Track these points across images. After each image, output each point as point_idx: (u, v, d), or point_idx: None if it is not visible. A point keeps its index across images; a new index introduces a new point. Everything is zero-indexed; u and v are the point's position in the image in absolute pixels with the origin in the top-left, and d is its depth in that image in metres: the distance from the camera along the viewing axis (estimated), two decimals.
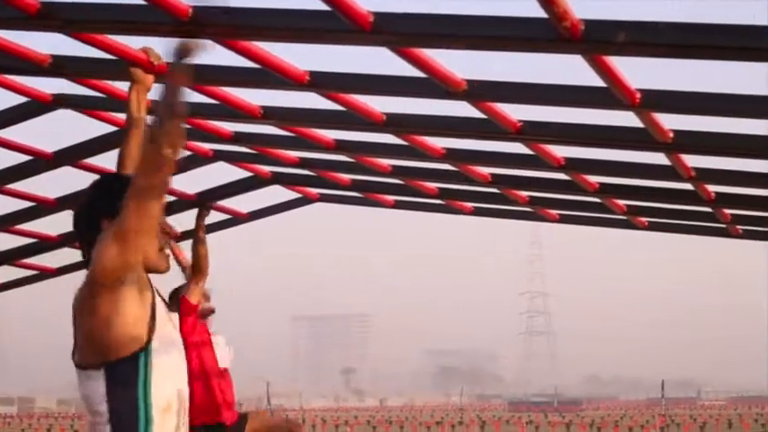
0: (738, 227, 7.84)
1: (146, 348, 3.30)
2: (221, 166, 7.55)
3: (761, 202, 6.87)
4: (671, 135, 5.06)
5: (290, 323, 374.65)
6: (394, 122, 5.63)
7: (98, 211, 3.45)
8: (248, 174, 7.96)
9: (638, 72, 5.11)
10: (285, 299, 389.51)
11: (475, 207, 8.49)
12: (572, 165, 6.17)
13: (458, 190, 7.95)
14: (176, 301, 8.40)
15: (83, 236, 3.52)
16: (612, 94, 4.32)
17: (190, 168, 7.31)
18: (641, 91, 4.37)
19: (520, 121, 5.30)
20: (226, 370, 9.21)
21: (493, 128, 5.30)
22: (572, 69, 4.22)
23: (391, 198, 8.55)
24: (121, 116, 6.79)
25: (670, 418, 69.40)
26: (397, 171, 7.26)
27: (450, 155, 6.45)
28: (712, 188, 6.52)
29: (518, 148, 5.97)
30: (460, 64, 5.18)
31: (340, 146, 6.52)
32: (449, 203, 8.36)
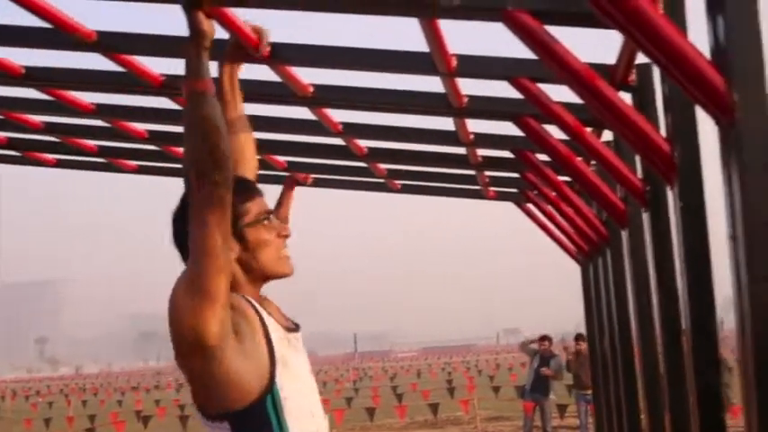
0: (396, 181, 8.07)
1: (271, 390, 2.79)
2: None
3: (411, 157, 7.09)
4: (311, 90, 5.10)
5: None
6: (34, 76, 5.37)
7: None
8: None
9: (276, 25, 5.12)
10: None
11: (139, 165, 8.30)
12: None
13: (118, 148, 7.73)
14: None
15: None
16: (243, 46, 4.28)
17: None
18: (273, 44, 4.35)
19: (162, 75, 5.19)
20: None
21: (135, 81, 5.16)
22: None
23: (51, 157, 8.20)
24: None
25: (363, 371, 71.81)
26: (50, 128, 6.96)
27: (102, 110, 6.25)
28: (363, 143, 6.65)
29: (169, 103, 5.86)
30: (93, 16, 5.01)
31: None
32: (111, 162, 8.13)
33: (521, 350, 20.13)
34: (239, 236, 2.93)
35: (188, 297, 2.66)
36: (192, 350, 2.69)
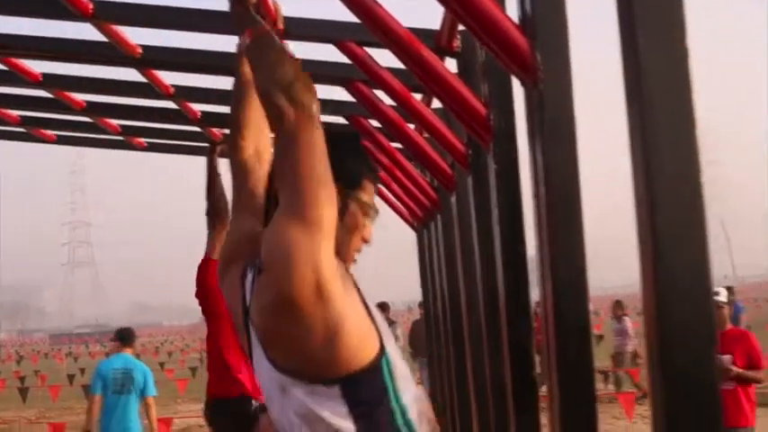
0: None
1: (384, 352, 2.52)
2: None
3: None
4: (139, 50, 5.01)
5: None
6: None
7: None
8: None
9: None
10: None
11: None
12: (50, 81, 5.96)
13: None
14: None
15: None
16: (65, 6, 4.18)
17: None
18: (95, 2, 4.26)
19: None
20: None
21: None
22: None
23: None
24: None
25: None
26: None
27: None
28: (197, 107, 6.58)
29: None
30: None
31: None
32: None
33: None
34: (345, 202, 2.62)
35: (297, 231, 2.36)
36: (308, 291, 2.39)
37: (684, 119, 1.69)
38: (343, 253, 2.65)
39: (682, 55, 1.64)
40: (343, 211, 2.59)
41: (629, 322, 18.20)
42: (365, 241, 2.73)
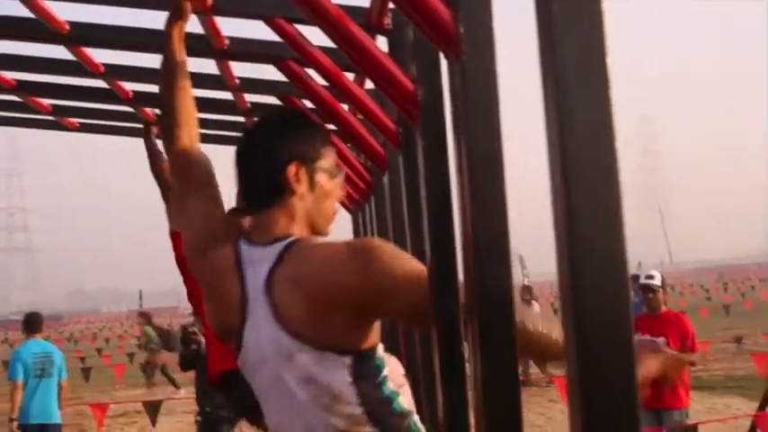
0: None
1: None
2: None
3: None
4: (67, 27, 4.92)
5: None
6: None
7: (287, 154, 2.82)
8: None
9: None
10: None
11: None
12: None
13: None
14: None
15: (256, 178, 2.85)
16: None
17: None
18: None
19: None
20: None
21: None
22: None
23: None
24: None
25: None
26: None
27: None
28: (129, 86, 6.49)
29: None
30: None
31: None
32: None
33: None
34: (310, 176, 2.87)
35: (417, 280, 2.74)
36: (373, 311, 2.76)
37: (601, 101, 1.66)
38: (323, 220, 2.92)
39: (597, 23, 1.62)
40: (312, 186, 2.85)
41: (537, 306, 19.47)
42: (339, 200, 3.02)
